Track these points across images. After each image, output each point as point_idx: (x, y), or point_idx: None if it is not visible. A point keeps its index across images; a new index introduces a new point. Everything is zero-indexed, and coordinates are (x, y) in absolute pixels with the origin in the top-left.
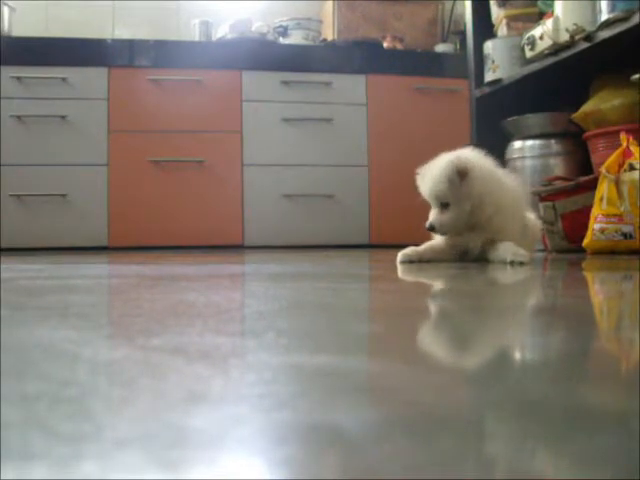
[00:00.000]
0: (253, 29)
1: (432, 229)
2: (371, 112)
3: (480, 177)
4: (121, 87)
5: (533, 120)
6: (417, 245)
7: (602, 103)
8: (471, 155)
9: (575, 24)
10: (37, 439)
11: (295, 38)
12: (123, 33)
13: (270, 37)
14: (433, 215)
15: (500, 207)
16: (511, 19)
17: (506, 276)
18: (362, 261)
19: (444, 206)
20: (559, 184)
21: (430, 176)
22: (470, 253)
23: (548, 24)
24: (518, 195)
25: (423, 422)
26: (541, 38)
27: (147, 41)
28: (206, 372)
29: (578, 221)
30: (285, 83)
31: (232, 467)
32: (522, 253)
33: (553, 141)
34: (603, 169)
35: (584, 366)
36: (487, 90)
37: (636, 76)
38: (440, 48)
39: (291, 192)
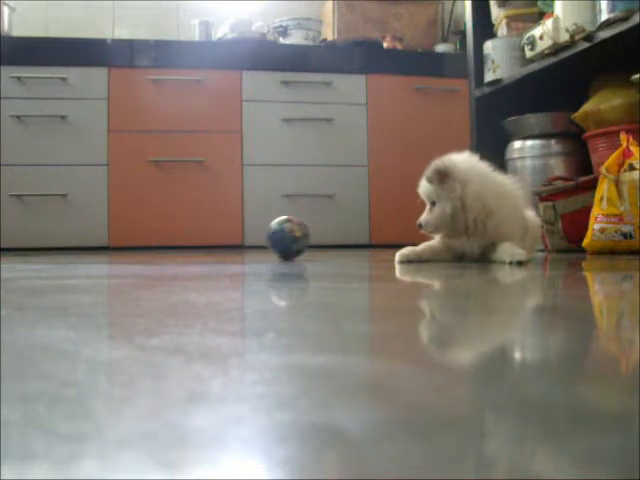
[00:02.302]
0: (253, 29)
1: (419, 226)
2: (371, 112)
3: (462, 180)
4: (121, 87)
5: (533, 120)
6: (416, 245)
7: (602, 103)
8: (460, 159)
9: (575, 24)
10: (37, 439)
11: (295, 38)
12: (123, 33)
13: (270, 37)
14: (424, 213)
15: (493, 211)
16: (511, 19)
17: (505, 276)
18: (362, 261)
19: (433, 205)
20: (559, 184)
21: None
22: (468, 255)
23: (548, 24)
24: (515, 199)
25: (423, 422)
26: (541, 38)
27: (147, 41)
28: (206, 372)
29: (578, 221)
30: (285, 83)
31: (232, 467)
32: (520, 252)
33: (553, 141)
34: (603, 169)
35: (584, 366)
36: (487, 90)
37: (636, 76)
38: (440, 48)
39: (291, 192)
